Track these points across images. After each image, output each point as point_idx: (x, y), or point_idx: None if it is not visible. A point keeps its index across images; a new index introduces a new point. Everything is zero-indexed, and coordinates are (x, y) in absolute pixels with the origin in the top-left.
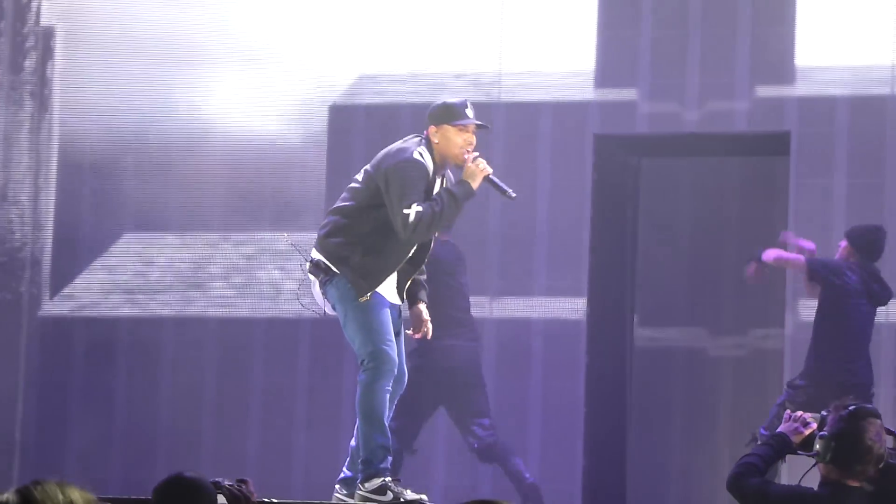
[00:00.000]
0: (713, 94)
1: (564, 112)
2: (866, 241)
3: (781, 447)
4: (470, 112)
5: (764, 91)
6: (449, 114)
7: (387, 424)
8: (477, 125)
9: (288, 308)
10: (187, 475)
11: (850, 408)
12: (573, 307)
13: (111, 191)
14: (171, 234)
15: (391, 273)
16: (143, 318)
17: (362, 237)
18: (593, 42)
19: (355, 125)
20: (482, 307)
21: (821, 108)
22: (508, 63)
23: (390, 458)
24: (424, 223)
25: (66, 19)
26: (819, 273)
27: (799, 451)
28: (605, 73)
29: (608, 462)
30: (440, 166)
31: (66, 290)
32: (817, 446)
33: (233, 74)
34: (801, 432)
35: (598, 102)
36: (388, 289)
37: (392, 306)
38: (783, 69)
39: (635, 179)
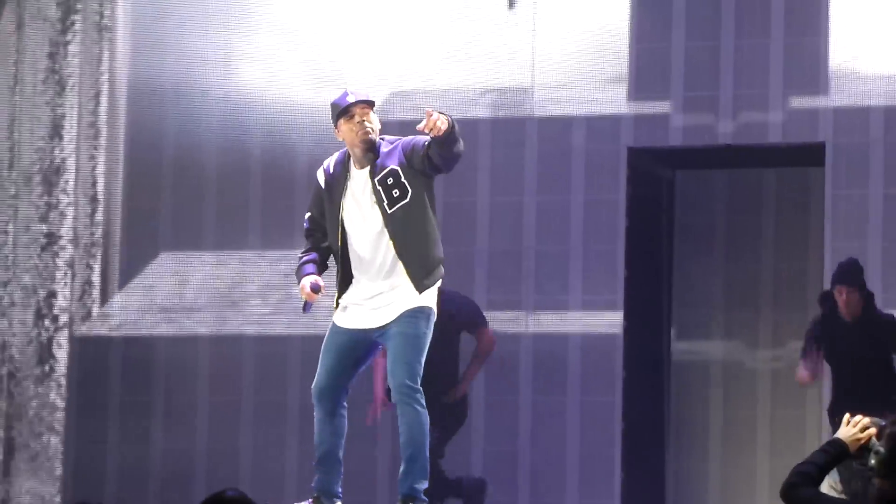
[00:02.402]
0: (747, 105)
1: (598, 126)
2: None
3: (838, 454)
4: (350, 97)
5: (798, 102)
6: (335, 111)
7: (320, 448)
8: (360, 102)
9: (324, 325)
10: (230, 494)
11: None
12: (609, 321)
13: (146, 209)
14: (206, 252)
15: (345, 283)
16: (180, 337)
17: None
18: (626, 55)
19: None
20: (518, 322)
21: (855, 119)
22: (541, 77)
23: (316, 477)
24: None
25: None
26: None
27: (855, 463)
28: (638, 86)
29: (647, 477)
30: (360, 159)
31: (103, 310)
32: (872, 460)
33: (265, 91)
34: (860, 438)
35: (631, 115)
36: (348, 312)
37: (354, 331)
38: (817, 80)
39: (670, 192)
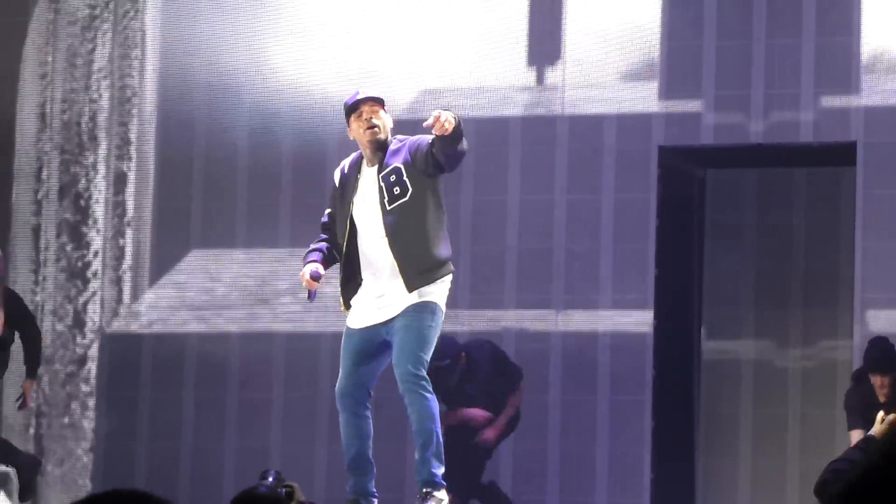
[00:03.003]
0: (778, 104)
1: (628, 124)
2: None
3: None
4: (360, 95)
5: (829, 101)
6: (345, 111)
7: (349, 451)
8: (368, 99)
9: None
10: (261, 490)
11: None
12: (640, 320)
13: (178, 207)
14: (237, 249)
15: (348, 284)
16: (211, 334)
17: None
18: (657, 53)
19: None
20: (548, 321)
21: (887, 118)
22: (571, 75)
23: (351, 481)
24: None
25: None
26: None
27: None
28: (670, 85)
29: (676, 476)
30: (370, 157)
31: (134, 307)
32: None
33: (295, 89)
34: None
35: (662, 114)
36: (357, 312)
37: (363, 330)
38: (849, 79)
39: (701, 191)
